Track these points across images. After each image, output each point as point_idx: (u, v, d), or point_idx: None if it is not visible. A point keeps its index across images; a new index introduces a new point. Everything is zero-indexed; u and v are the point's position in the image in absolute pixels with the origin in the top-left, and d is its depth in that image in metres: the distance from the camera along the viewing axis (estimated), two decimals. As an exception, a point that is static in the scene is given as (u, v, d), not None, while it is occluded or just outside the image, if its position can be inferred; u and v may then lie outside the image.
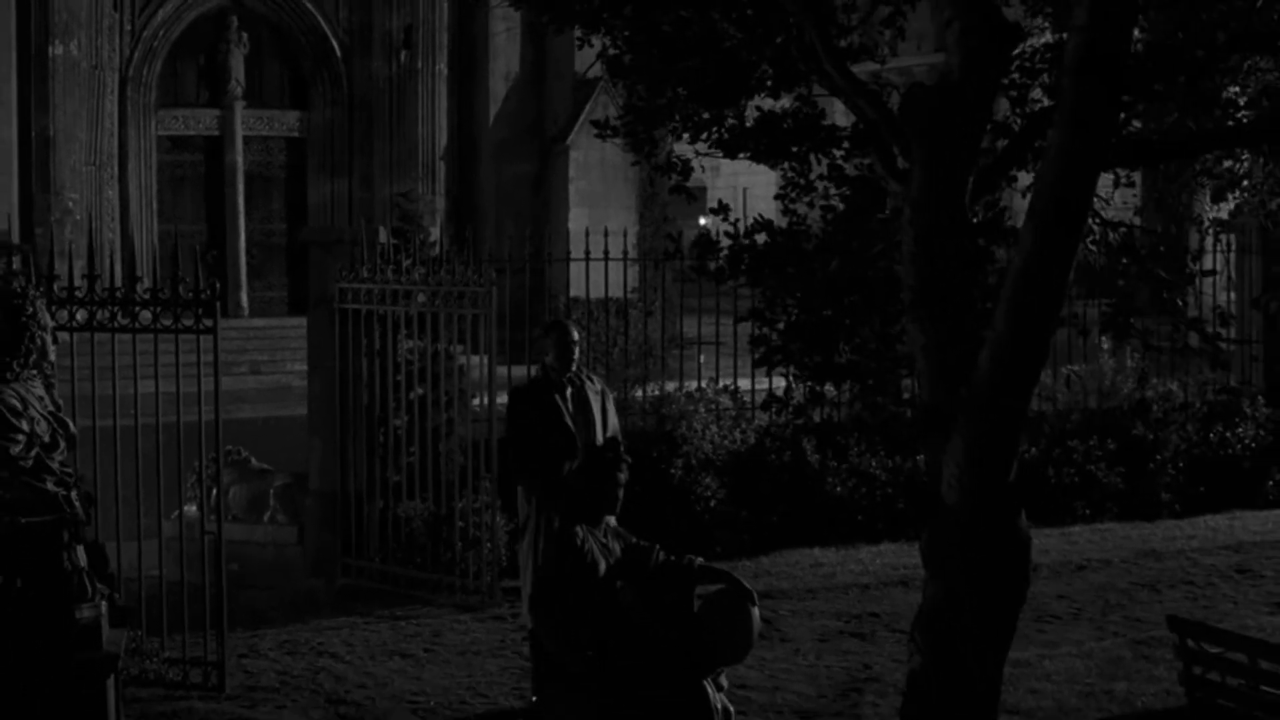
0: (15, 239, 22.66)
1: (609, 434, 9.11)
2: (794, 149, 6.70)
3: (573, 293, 14.24)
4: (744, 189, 15.31)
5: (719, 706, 6.67)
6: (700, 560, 6.99)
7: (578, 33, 7.11)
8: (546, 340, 9.38)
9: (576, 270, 13.05)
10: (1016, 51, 6.48)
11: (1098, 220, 6.35)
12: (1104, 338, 6.99)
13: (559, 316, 11.51)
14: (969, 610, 5.64)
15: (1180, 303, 6.36)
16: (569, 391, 9.20)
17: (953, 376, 5.61)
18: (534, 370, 9.93)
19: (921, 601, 5.88)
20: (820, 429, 12.70)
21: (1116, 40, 5.16)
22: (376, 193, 27.15)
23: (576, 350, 9.31)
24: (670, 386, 13.59)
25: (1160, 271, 6.27)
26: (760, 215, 6.91)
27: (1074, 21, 5.19)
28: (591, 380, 9.40)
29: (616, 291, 16.37)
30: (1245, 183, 8.25)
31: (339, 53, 27.53)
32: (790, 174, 6.89)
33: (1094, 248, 6.53)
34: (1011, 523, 5.66)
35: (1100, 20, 5.07)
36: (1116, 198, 7.81)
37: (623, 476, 7.29)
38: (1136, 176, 8.16)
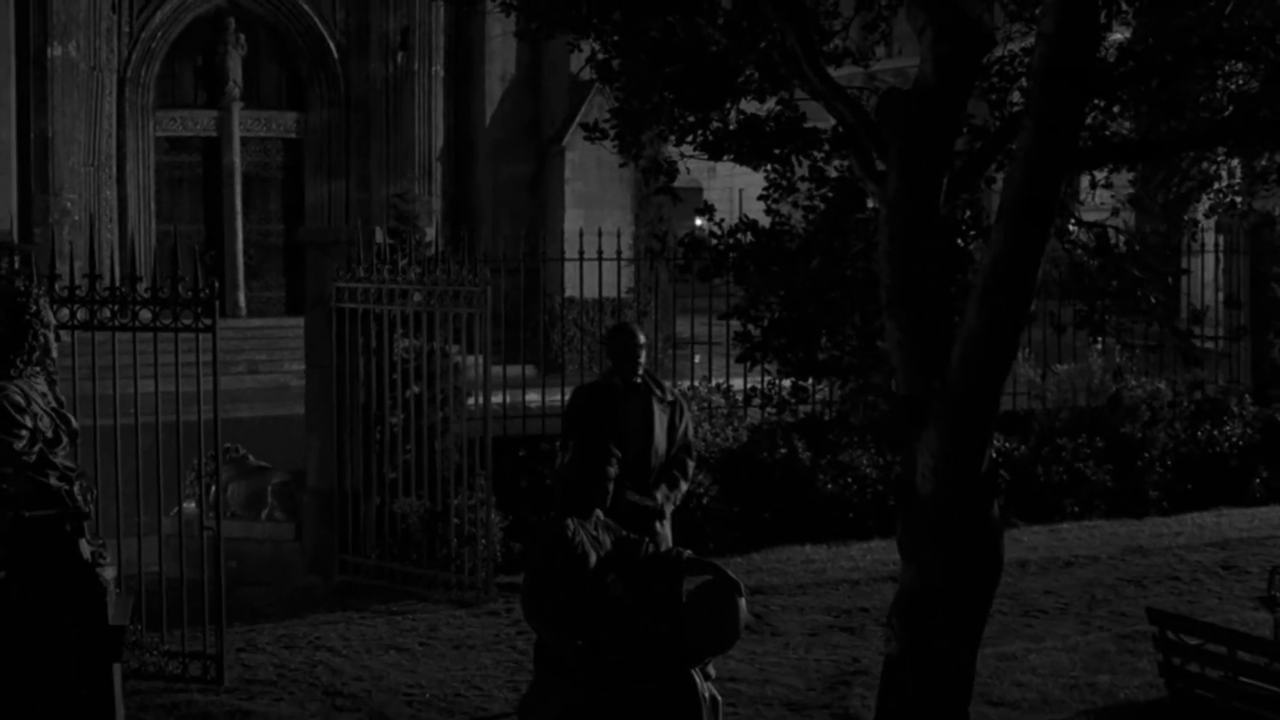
0: (14, 239, 22.77)
1: (677, 446, 8.64)
2: (776, 151, 6.83)
3: (569, 292, 14.35)
4: (739, 190, 15.45)
5: (707, 697, 6.79)
6: (688, 553, 7.11)
7: (568, 38, 7.23)
8: (612, 345, 8.75)
9: (572, 270, 13.16)
10: (996, 56, 6.63)
11: (1074, 220, 6.49)
12: (1094, 337, 7.12)
13: (624, 320, 11.34)
14: (942, 597, 5.77)
15: (1154, 299, 6.48)
16: (631, 397, 8.55)
17: (928, 371, 5.74)
18: (523, 363, 9.81)
19: (898, 589, 6.02)
20: (806, 426, 12.82)
21: (1082, 47, 5.30)
22: (373, 193, 27.20)
23: (642, 355, 8.64)
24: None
25: (1135, 270, 6.40)
26: (746, 215, 7.05)
27: (1041, 29, 5.33)
28: (661, 389, 8.75)
29: (612, 292, 16.49)
30: (1224, 182, 8.37)
31: (336, 54, 27.60)
32: (773, 175, 7.02)
33: (1069, 248, 6.67)
34: (984, 512, 5.79)
35: (1067, 27, 5.21)
36: (1103, 198, 7.94)
37: (613, 471, 7.42)
38: (1115, 178, 8.27)
